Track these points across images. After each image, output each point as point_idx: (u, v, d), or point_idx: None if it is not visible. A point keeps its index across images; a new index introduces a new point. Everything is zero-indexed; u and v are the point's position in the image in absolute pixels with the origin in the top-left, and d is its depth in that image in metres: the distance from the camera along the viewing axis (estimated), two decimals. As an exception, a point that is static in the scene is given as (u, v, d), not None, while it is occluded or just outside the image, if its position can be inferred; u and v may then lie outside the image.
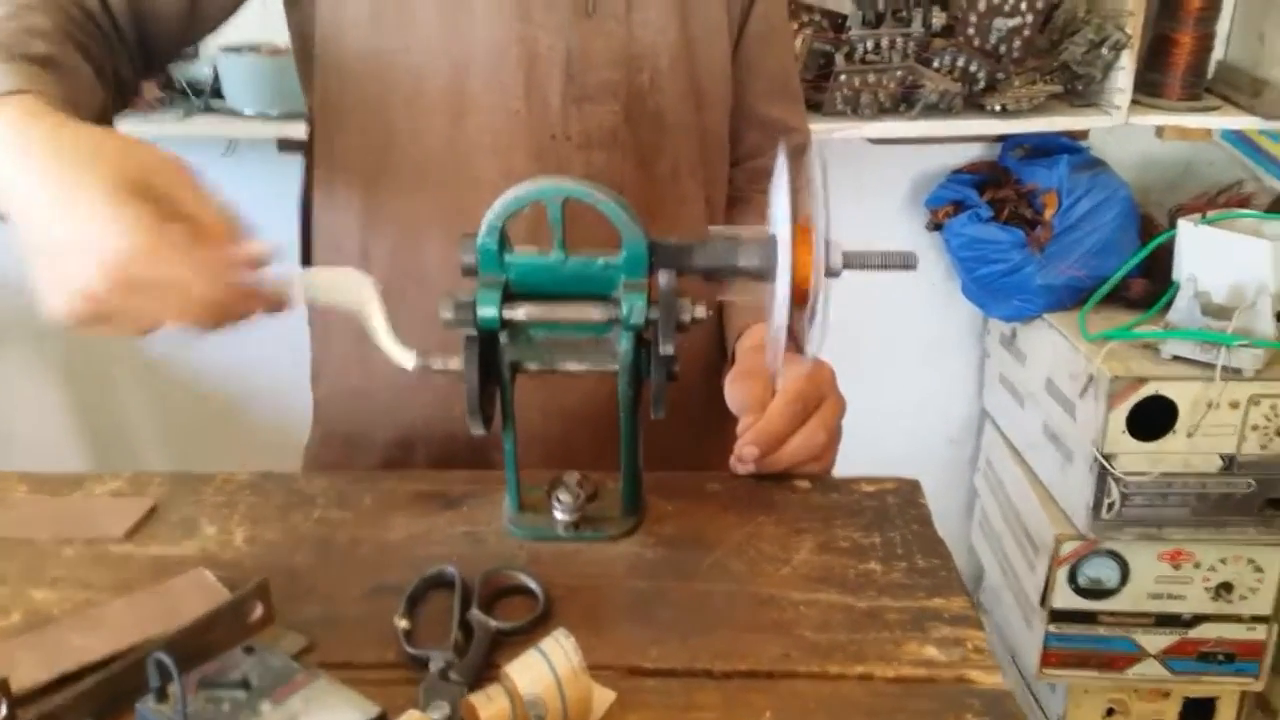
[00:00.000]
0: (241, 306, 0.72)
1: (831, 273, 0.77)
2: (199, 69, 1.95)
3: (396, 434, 1.09)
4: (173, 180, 0.70)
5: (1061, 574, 1.80)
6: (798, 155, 0.83)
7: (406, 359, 0.82)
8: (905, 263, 0.79)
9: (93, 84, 0.88)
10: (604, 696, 0.67)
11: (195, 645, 0.66)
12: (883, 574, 0.77)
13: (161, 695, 0.61)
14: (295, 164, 1.19)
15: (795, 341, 0.96)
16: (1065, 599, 1.82)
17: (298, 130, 1.14)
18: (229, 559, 0.80)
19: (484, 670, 0.68)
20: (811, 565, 0.79)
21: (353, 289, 0.81)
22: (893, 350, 2.27)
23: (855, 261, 0.78)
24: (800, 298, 0.75)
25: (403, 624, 0.72)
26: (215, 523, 0.85)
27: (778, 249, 0.76)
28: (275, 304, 0.75)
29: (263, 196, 1.28)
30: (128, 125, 1.33)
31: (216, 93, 1.94)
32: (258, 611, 0.71)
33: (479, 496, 0.89)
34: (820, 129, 1.81)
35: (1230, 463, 1.68)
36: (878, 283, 2.36)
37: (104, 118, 0.92)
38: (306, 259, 1.17)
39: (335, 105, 1.06)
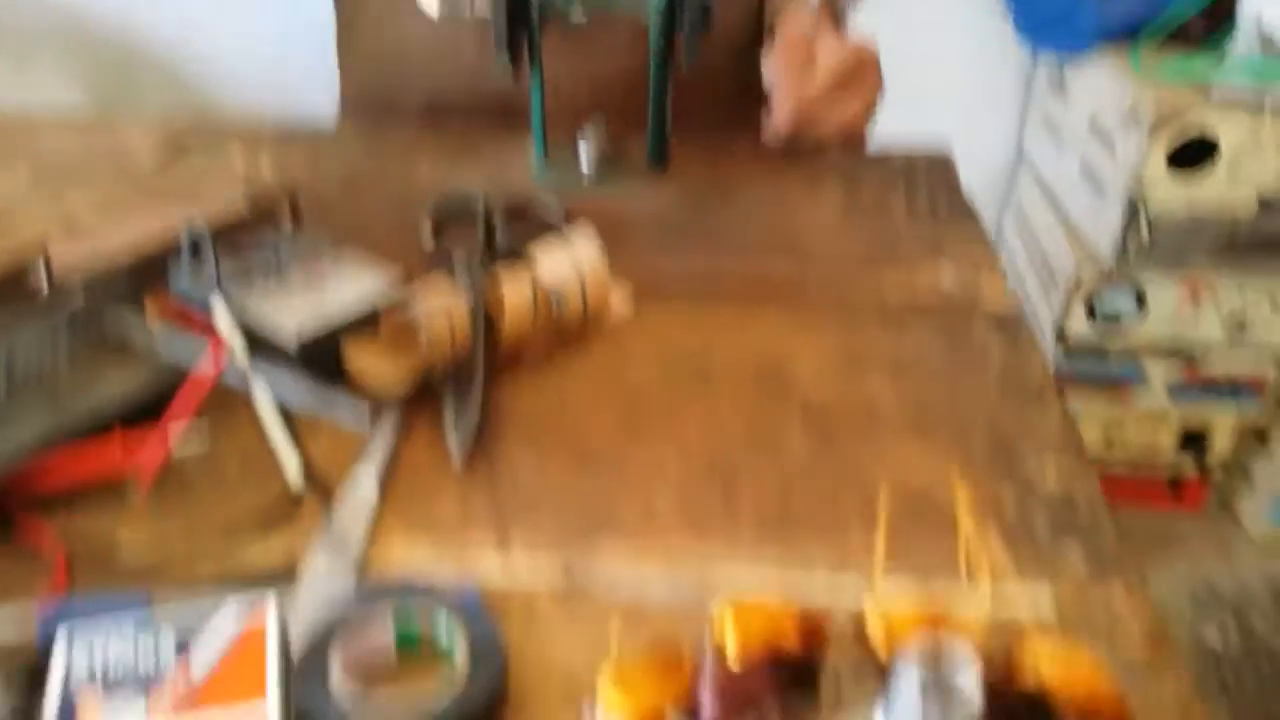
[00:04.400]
0: None
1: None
2: None
3: (429, 98, 1.08)
4: None
5: (1079, 304, 1.82)
6: None
7: (431, 6, 0.80)
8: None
9: None
10: (621, 297, 0.69)
11: (226, 241, 0.68)
12: (906, 220, 0.78)
13: (195, 260, 0.64)
14: None
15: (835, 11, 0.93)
16: (1079, 328, 1.85)
17: None
18: (257, 182, 0.82)
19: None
20: (835, 211, 0.79)
21: None
22: (934, 94, 2.20)
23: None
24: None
25: (427, 232, 0.74)
26: (243, 157, 0.86)
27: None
28: None
29: None
30: None
31: None
32: (286, 216, 0.73)
33: (506, 149, 0.89)
34: None
35: (1267, 205, 1.65)
36: (924, 24, 2.24)
37: None
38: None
39: None
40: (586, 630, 0.47)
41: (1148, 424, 1.97)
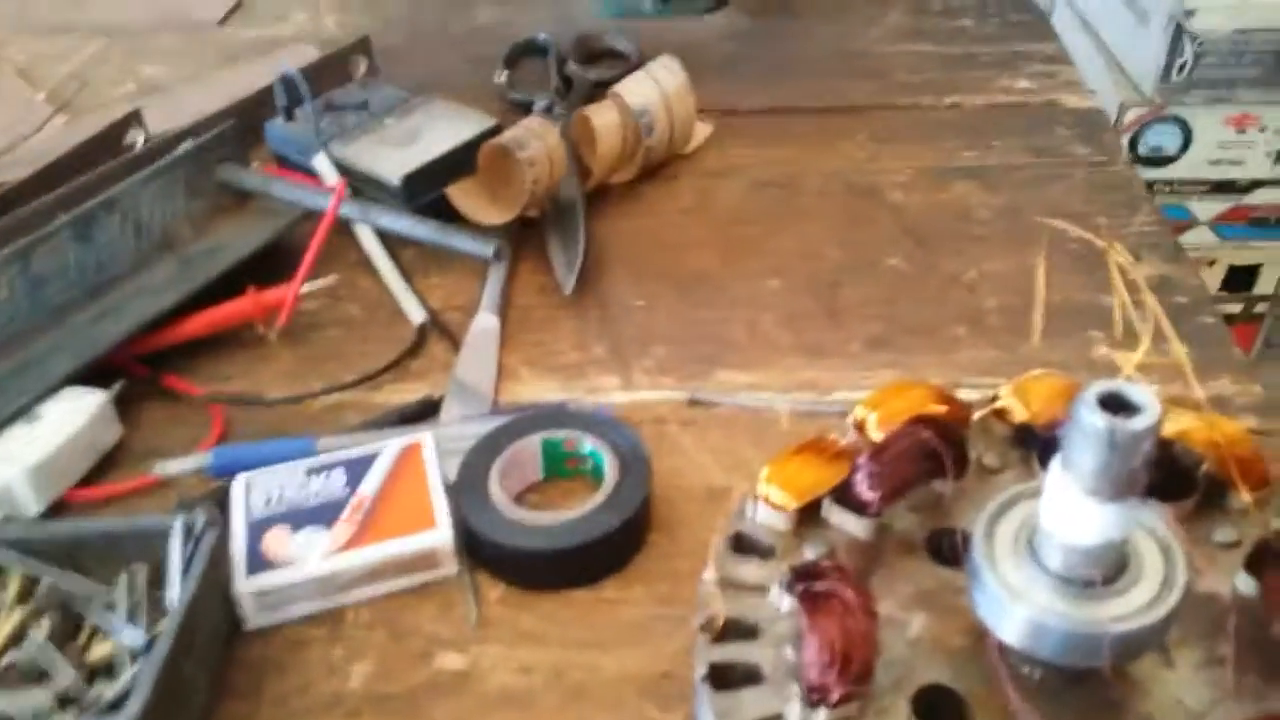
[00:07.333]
0: None
1: None
2: None
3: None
4: None
5: (1123, 143, 1.79)
6: None
7: None
8: None
9: None
10: (702, 128, 0.70)
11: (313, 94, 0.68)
12: (976, 28, 0.77)
13: (289, 115, 0.64)
14: None
15: None
16: (1124, 167, 1.82)
17: None
18: (325, 39, 0.82)
19: (588, 108, 0.70)
20: (904, 25, 0.78)
21: None
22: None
23: None
24: None
25: (503, 77, 0.74)
26: (304, 10, 0.85)
27: None
28: None
29: None
30: None
31: None
32: (362, 67, 0.73)
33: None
34: None
35: (1317, 16, 1.61)
36: None
37: None
38: None
39: None
40: (716, 445, 0.48)
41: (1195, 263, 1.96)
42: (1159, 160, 1.84)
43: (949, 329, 0.55)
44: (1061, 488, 0.30)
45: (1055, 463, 0.31)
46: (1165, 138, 1.80)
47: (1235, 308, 2.04)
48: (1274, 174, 1.83)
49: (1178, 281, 0.57)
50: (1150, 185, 1.86)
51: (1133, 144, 1.81)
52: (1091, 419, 0.29)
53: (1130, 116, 1.78)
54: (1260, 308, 2.04)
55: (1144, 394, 0.29)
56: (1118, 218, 0.61)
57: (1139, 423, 0.29)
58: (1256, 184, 1.84)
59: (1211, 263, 1.98)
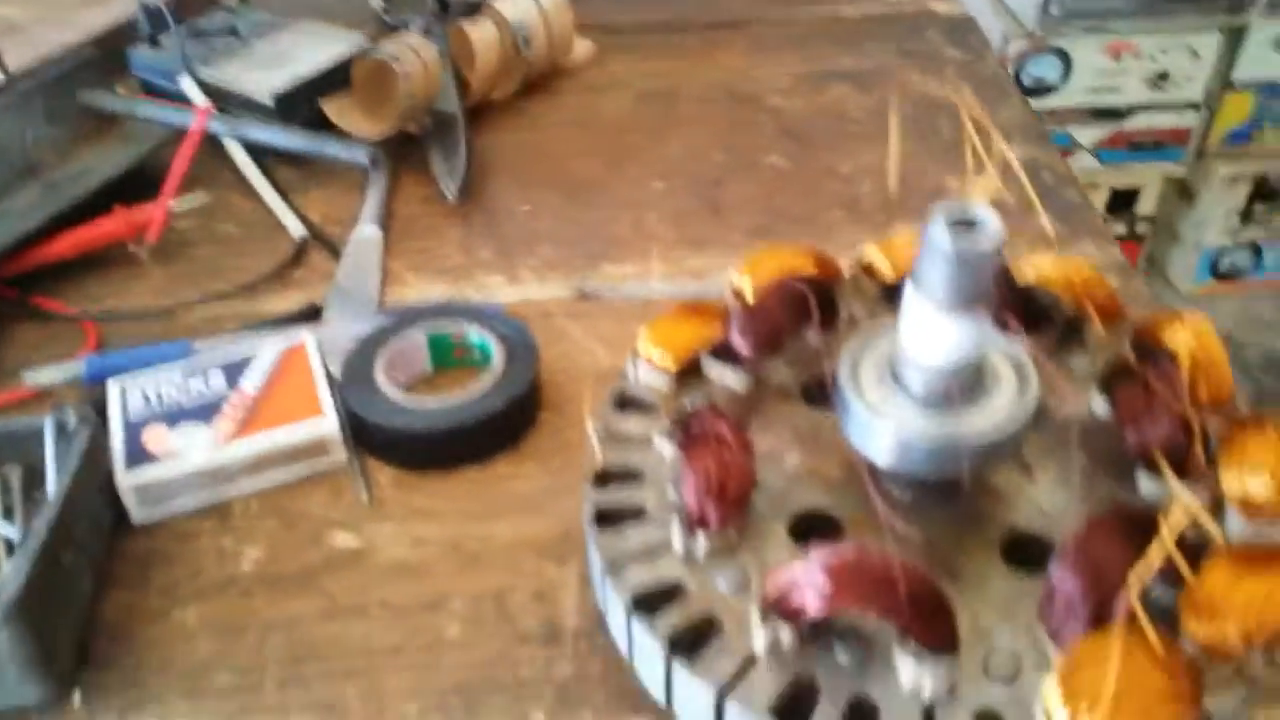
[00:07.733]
0: None
1: None
2: None
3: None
4: None
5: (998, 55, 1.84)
6: None
7: None
8: None
9: None
10: (585, 46, 0.70)
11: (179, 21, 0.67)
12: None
13: (154, 42, 0.63)
14: None
15: None
16: (1009, 99, 1.87)
17: None
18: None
19: (465, 27, 0.70)
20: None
21: None
22: None
23: None
24: None
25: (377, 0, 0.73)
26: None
27: None
28: None
29: None
30: None
31: None
32: (231, -6, 0.71)
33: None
34: None
35: (1180, -58, 1.67)
36: None
37: None
38: None
39: None
40: (604, 333, 0.49)
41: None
42: (1042, 90, 1.89)
43: (826, 215, 0.56)
44: (917, 307, 0.32)
45: (909, 284, 0.32)
46: (1047, 69, 1.86)
47: (1119, 229, 2.12)
48: (1151, 99, 1.90)
49: (1045, 163, 0.60)
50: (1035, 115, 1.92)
51: (1016, 76, 1.86)
52: (939, 235, 0.30)
53: (1013, 49, 1.83)
54: (1142, 228, 2.13)
55: (986, 212, 0.30)
56: (986, 105, 0.63)
57: (982, 236, 0.30)
58: (1134, 109, 1.91)
59: (1095, 185, 2.05)
